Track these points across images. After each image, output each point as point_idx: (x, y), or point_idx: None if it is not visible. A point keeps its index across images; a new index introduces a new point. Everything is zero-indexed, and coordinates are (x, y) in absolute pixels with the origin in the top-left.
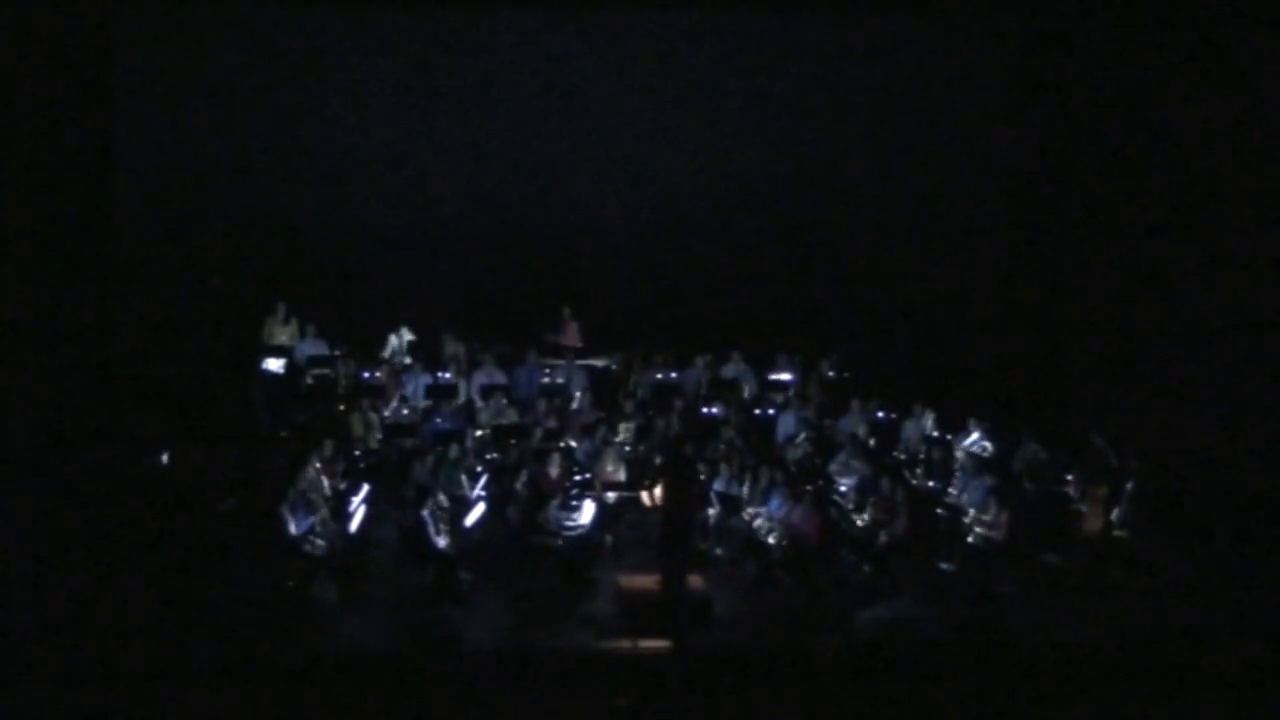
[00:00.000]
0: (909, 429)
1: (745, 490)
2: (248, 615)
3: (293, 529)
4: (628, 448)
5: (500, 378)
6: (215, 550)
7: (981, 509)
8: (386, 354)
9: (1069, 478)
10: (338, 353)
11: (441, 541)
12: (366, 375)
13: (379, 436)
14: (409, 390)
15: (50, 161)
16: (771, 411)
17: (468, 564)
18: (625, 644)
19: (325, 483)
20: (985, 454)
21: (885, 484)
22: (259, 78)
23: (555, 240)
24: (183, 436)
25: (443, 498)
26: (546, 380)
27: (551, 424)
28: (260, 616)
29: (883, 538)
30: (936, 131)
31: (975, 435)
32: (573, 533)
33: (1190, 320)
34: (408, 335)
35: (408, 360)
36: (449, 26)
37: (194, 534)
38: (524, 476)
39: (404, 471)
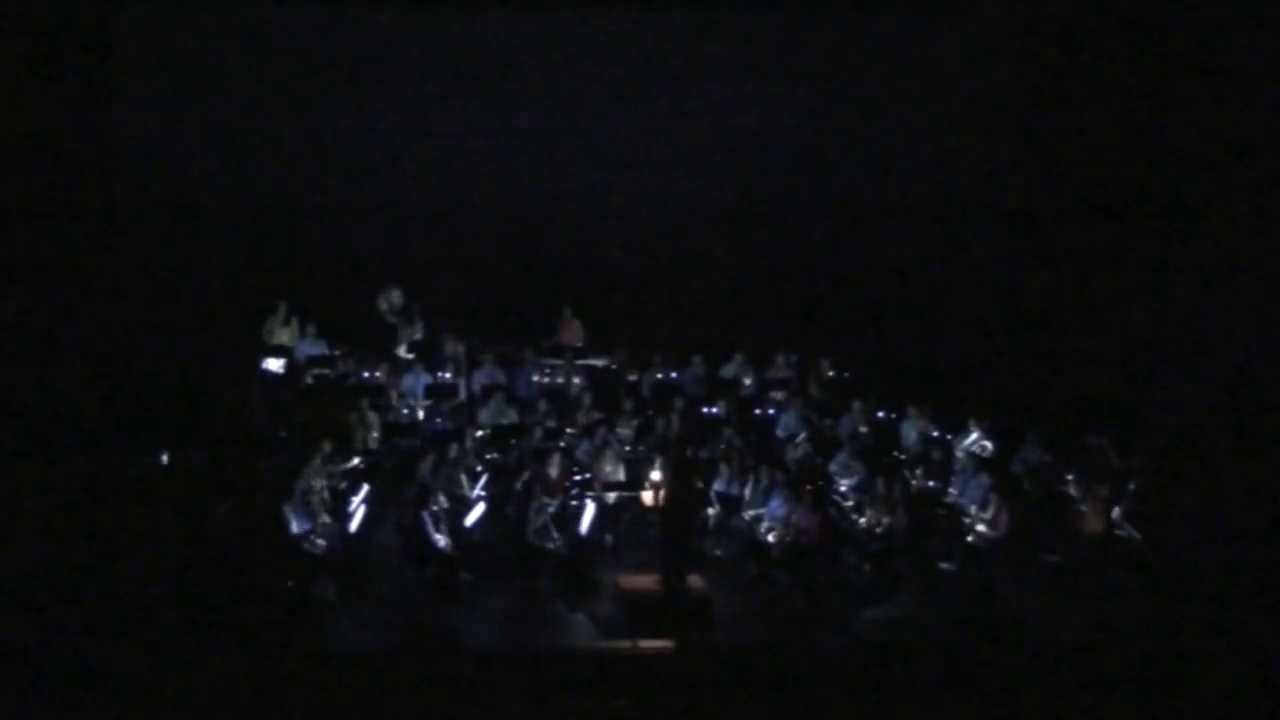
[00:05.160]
0: (909, 429)
1: (745, 490)
2: (248, 615)
3: (293, 529)
4: (628, 448)
5: (500, 378)
6: (215, 550)
7: (981, 508)
8: (384, 307)
9: (1069, 478)
10: (338, 353)
11: (441, 541)
12: (366, 375)
13: (379, 436)
14: (409, 390)
15: (50, 160)
16: (771, 411)
17: (468, 564)
18: (625, 644)
19: (325, 483)
20: (985, 454)
21: (884, 484)
22: (259, 77)
23: (555, 240)
24: (183, 436)
25: (443, 498)
26: (546, 380)
27: (551, 424)
28: (260, 616)
29: (882, 538)
30: (936, 131)
31: (975, 435)
32: (565, 539)
33: (1190, 320)
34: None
35: (408, 355)
36: (449, 26)
37: (194, 534)
38: (524, 476)
39: (404, 471)
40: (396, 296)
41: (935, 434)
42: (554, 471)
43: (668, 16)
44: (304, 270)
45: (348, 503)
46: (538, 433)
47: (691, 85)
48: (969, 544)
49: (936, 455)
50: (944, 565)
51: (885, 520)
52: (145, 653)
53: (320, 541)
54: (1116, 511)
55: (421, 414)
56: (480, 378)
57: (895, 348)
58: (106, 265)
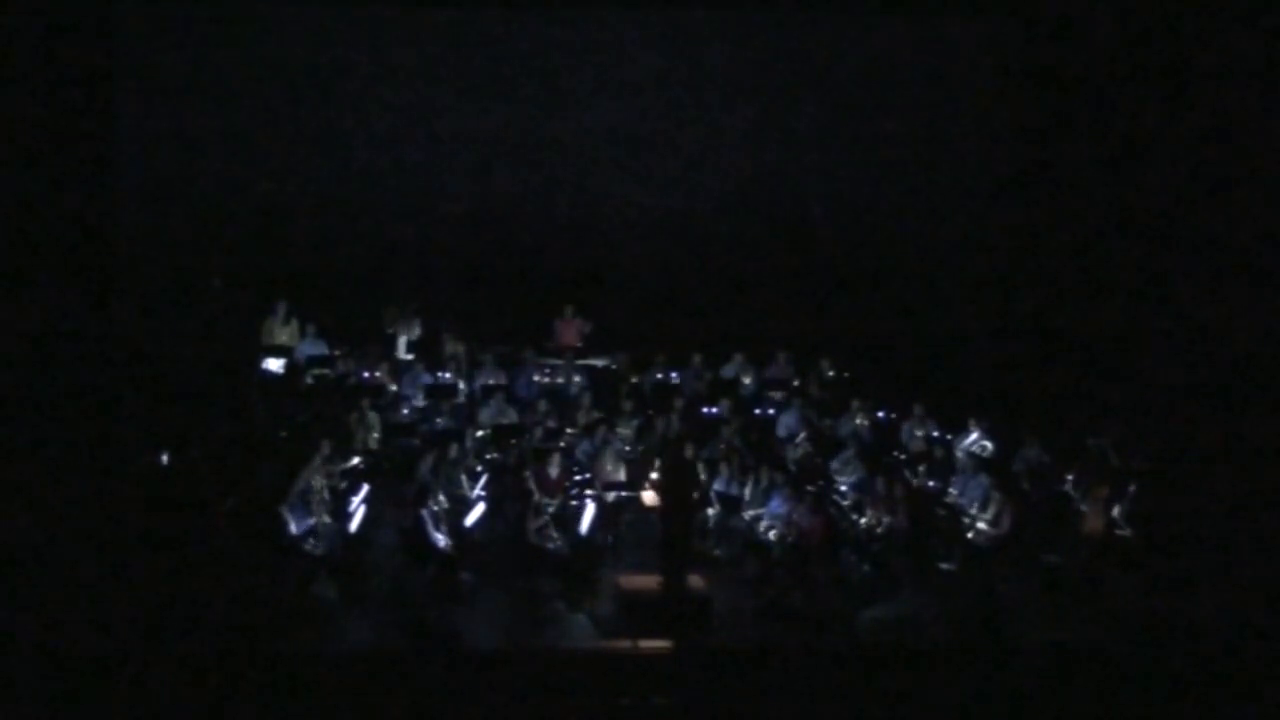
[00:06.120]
0: (909, 429)
1: (745, 490)
2: (248, 615)
3: (293, 529)
4: (628, 448)
5: (500, 378)
6: (215, 550)
7: (981, 508)
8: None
9: (1069, 478)
10: (338, 353)
11: (441, 541)
12: (366, 375)
13: (379, 436)
14: (409, 390)
15: (51, 162)
16: (771, 411)
17: (468, 564)
18: (625, 644)
19: (325, 483)
20: (985, 454)
21: (884, 484)
22: (260, 77)
23: (555, 240)
24: (183, 436)
25: (443, 498)
26: (546, 380)
27: (551, 424)
28: (260, 616)
29: (882, 538)
30: (935, 131)
31: (975, 435)
32: (565, 539)
33: (1190, 321)
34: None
35: (408, 355)
36: (449, 26)
37: (194, 534)
38: (524, 476)
39: (404, 471)
40: (394, 311)
41: (935, 434)
42: (554, 471)
43: (668, 17)
44: (304, 270)
45: (348, 503)
46: (538, 433)
47: (691, 85)
48: (969, 544)
49: (937, 455)
50: (944, 565)
51: (885, 520)
52: (145, 652)
53: (320, 541)
54: (1116, 510)
55: (422, 414)
56: (481, 378)
57: (895, 348)
58: (106, 265)
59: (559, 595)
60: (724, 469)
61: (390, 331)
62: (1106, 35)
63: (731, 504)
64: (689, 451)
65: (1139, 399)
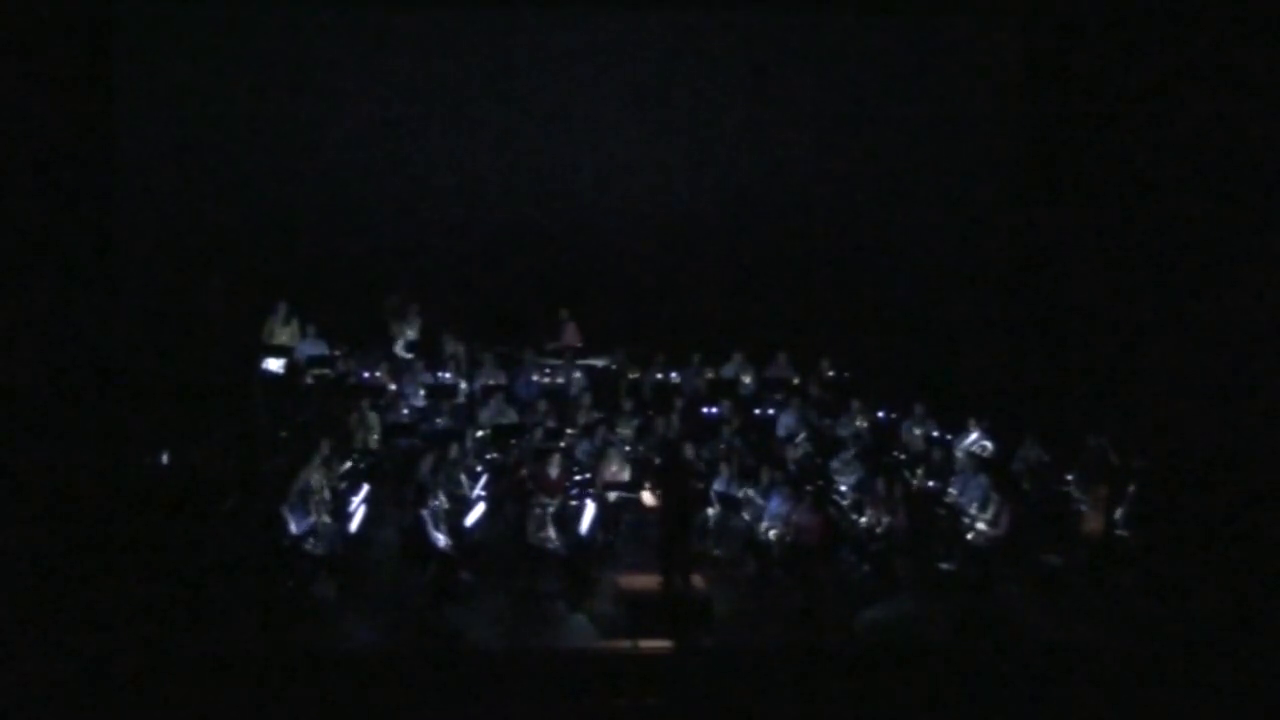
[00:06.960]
0: (909, 429)
1: (745, 490)
2: (248, 615)
3: (293, 529)
4: (628, 448)
5: (500, 378)
6: (215, 550)
7: (981, 508)
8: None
9: (1069, 478)
10: (338, 353)
11: (441, 541)
12: (366, 375)
13: (379, 436)
14: (409, 390)
15: (51, 161)
16: (771, 411)
17: (468, 564)
18: (625, 644)
19: (325, 483)
20: (985, 454)
21: (884, 484)
22: (259, 78)
23: (555, 240)
24: (183, 436)
25: (443, 498)
26: (546, 380)
27: (551, 424)
28: (260, 616)
29: (882, 538)
30: (936, 131)
31: (975, 435)
32: (565, 539)
33: (1190, 320)
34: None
35: (408, 355)
36: (449, 27)
37: (194, 534)
38: (523, 476)
39: (404, 471)
40: (394, 299)
41: (935, 434)
42: (554, 471)
43: (668, 18)
44: (304, 270)
45: (348, 503)
46: (538, 433)
47: (691, 87)
48: (969, 544)
49: (937, 455)
50: (944, 565)
51: (885, 520)
52: (145, 652)
53: (320, 541)
54: (1119, 511)
55: (421, 414)
56: (481, 378)
57: (895, 347)
58: (107, 265)
59: (559, 595)
60: (724, 469)
61: (391, 323)
62: (1107, 34)
63: (731, 504)
64: (689, 451)
65: (1139, 399)
